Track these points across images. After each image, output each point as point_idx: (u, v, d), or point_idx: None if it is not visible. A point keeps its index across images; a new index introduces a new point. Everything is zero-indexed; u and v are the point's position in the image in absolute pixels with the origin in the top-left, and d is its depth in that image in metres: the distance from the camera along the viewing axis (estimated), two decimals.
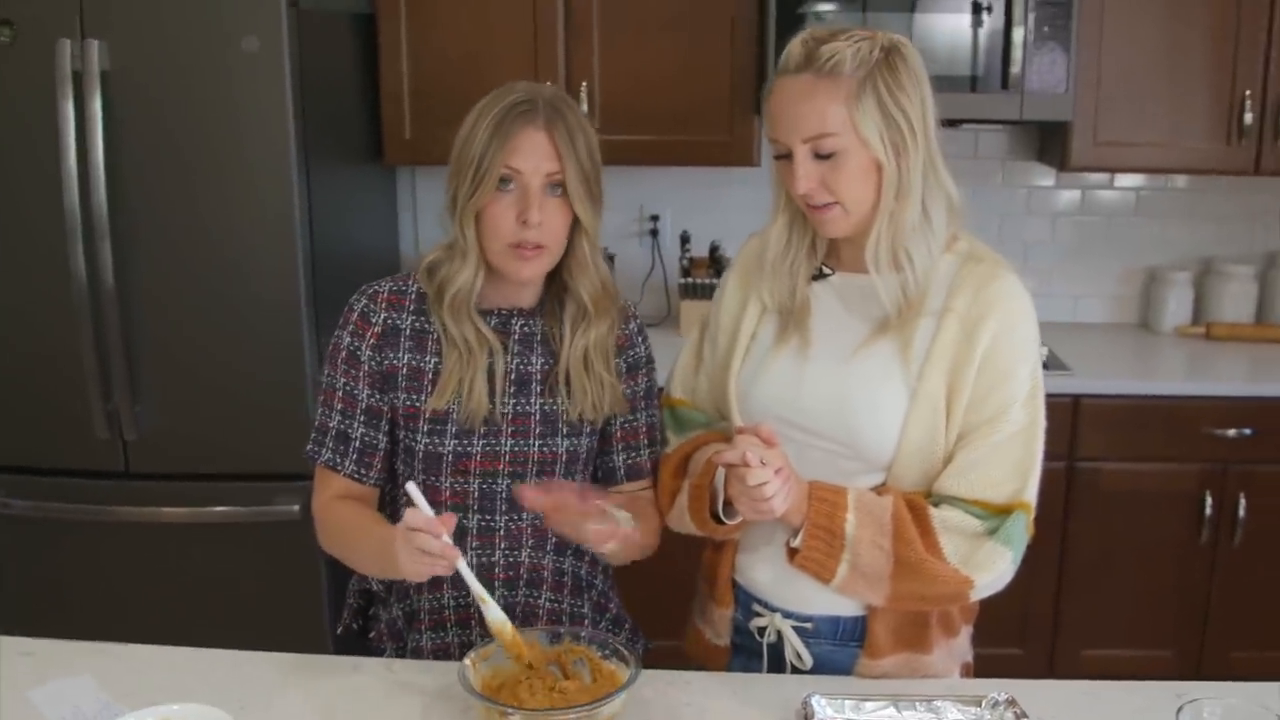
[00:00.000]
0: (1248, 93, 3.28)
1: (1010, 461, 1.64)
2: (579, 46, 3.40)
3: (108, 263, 2.94)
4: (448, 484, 1.82)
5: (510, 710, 1.52)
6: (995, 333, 1.63)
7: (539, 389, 1.83)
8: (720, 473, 1.67)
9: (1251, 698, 1.42)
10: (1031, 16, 3.15)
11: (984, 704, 1.60)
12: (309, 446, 1.85)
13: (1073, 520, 3.25)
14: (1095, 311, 3.83)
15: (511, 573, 1.85)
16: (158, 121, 2.92)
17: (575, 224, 1.77)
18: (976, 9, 3.20)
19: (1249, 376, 3.36)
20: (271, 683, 1.72)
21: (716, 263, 3.65)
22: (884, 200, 1.62)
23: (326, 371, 1.84)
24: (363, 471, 1.83)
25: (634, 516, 1.67)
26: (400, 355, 1.81)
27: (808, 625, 1.76)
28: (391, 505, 1.90)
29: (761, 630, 1.80)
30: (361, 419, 1.81)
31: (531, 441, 1.82)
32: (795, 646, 1.76)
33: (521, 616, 1.84)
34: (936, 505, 1.65)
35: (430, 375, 1.80)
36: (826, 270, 1.77)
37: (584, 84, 3.41)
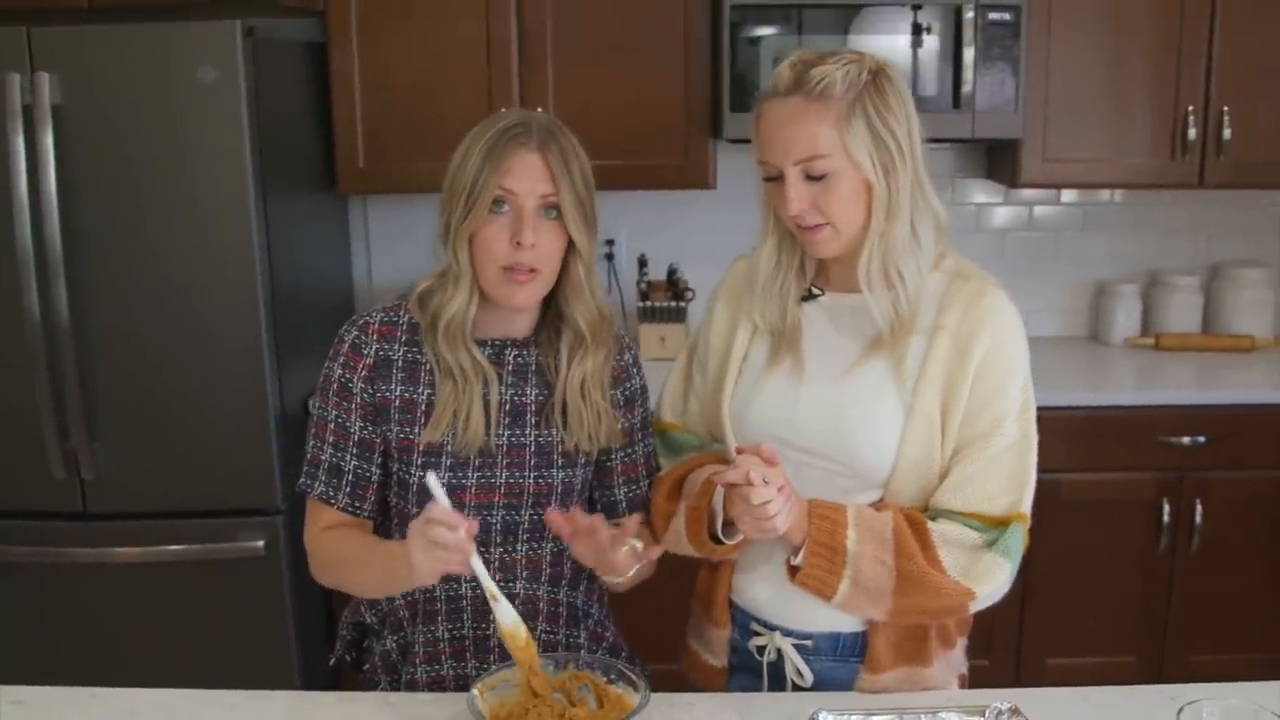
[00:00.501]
0: (1190, 108, 3.36)
1: (1006, 474, 1.67)
2: (533, 74, 3.40)
3: (62, 299, 2.88)
4: None
5: None
6: (987, 348, 1.66)
7: (534, 420, 1.82)
8: (719, 493, 1.68)
9: (1249, 698, 1.45)
10: (980, 37, 3.21)
11: (988, 713, 1.61)
12: (302, 480, 1.83)
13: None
14: (1046, 325, 3.89)
15: None
16: (112, 155, 2.88)
17: (570, 249, 1.77)
18: (917, 29, 3.25)
19: (1201, 385, 3.43)
20: None
21: (674, 286, 3.66)
22: (874, 220, 1.64)
23: (318, 403, 1.82)
24: (357, 504, 1.81)
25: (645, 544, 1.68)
26: (393, 387, 1.79)
27: (808, 642, 1.77)
28: (384, 537, 1.88)
29: (761, 649, 1.80)
30: (354, 451, 1.80)
31: (527, 473, 1.81)
32: (796, 664, 1.77)
33: None
34: (934, 519, 1.67)
35: (423, 407, 1.79)
36: (816, 291, 1.78)
37: (539, 110, 3.40)
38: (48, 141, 2.81)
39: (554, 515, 1.68)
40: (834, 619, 1.74)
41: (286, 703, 1.75)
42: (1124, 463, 3.29)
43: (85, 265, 2.91)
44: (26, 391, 2.95)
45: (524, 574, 1.84)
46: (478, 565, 1.58)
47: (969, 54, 3.21)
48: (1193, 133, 3.37)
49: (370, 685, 1.90)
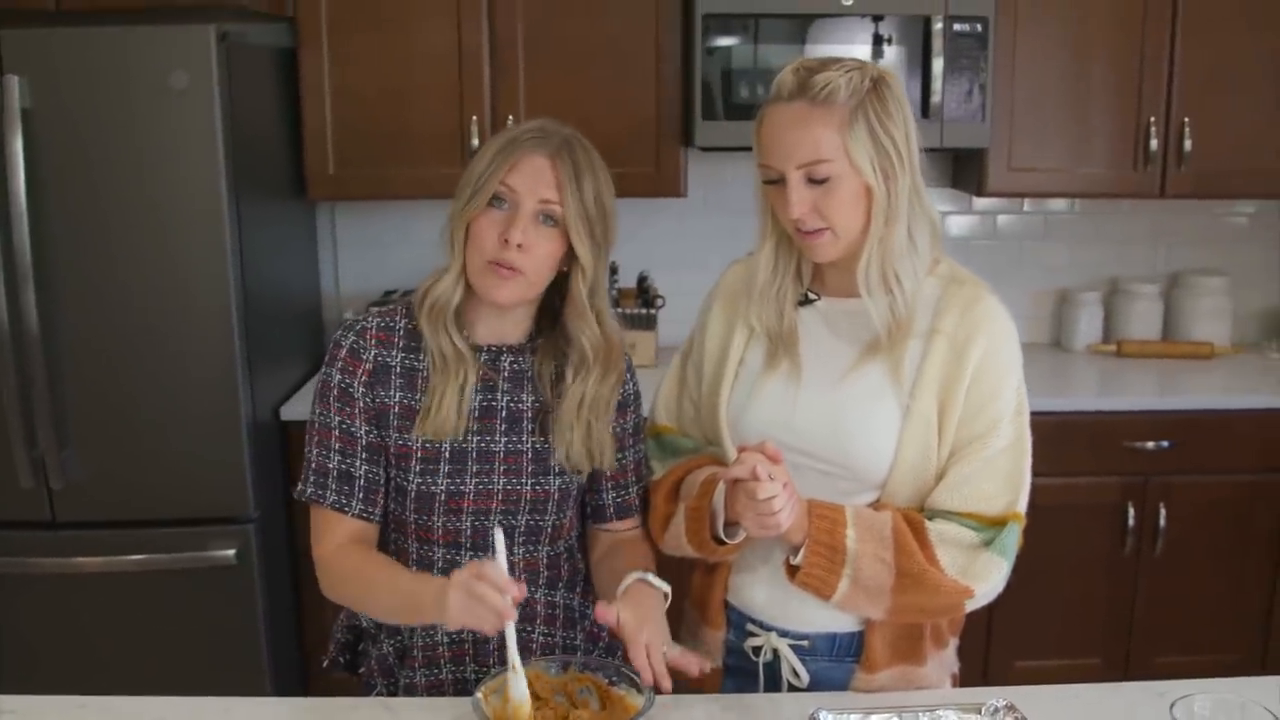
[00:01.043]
0: (1152, 119, 3.43)
1: (1002, 475, 1.69)
2: (504, 81, 3.41)
3: (31, 304, 2.83)
4: (440, 522, 1.80)
5: None
6: (984, 352, 1.69)
7: (531, 427, 1.82)
8: (719, 493, 1.69)
9: (1237, 692, 1.48)
10: (948, 47, 3.25)
11: (984, 710, 1.64)
12: (309, 490, 1.79)
13: None
14: None
15: None
16: (82, 159, 2.84)
17: (573, 267, 1.77)
18: (878, 40, 3.29)
19: (1163, 390, 3.49)
20: None
21: (645, 293, 3.68)
22: (874, 225, 1.66)
23: (318, 410, 1.80)
24: (370, 510, 1.80)
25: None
26: (391, 393, 1.79)
27: (804, 643, 1.79)
28: (380, 546, 1.88)
29: (757, 650, 1.82)
30: (364, 456, 1.78)
31: (524, 480, 1.81)
32: (793, 664, 1.78)
33: None
34: (931, 520, 1.69)
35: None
36: (812, 295, 1.80)
37: (510, 118, 3.41)
38: (17, 145, 2.78)
39: (605, 615, 1.66)
40: (831, 619, 1.76)
41: (284, 709, 1.74)
42: (1089, 467, 3.34)
43: (54, 271, 2.87)
44: None
45: (522, 577, 1.83)
46: (510, 632, 1.55)
47: (938, 64, 3.26)
48: (1154, 143, 3.44)
49: (366, 689, 1.89)
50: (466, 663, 1.83)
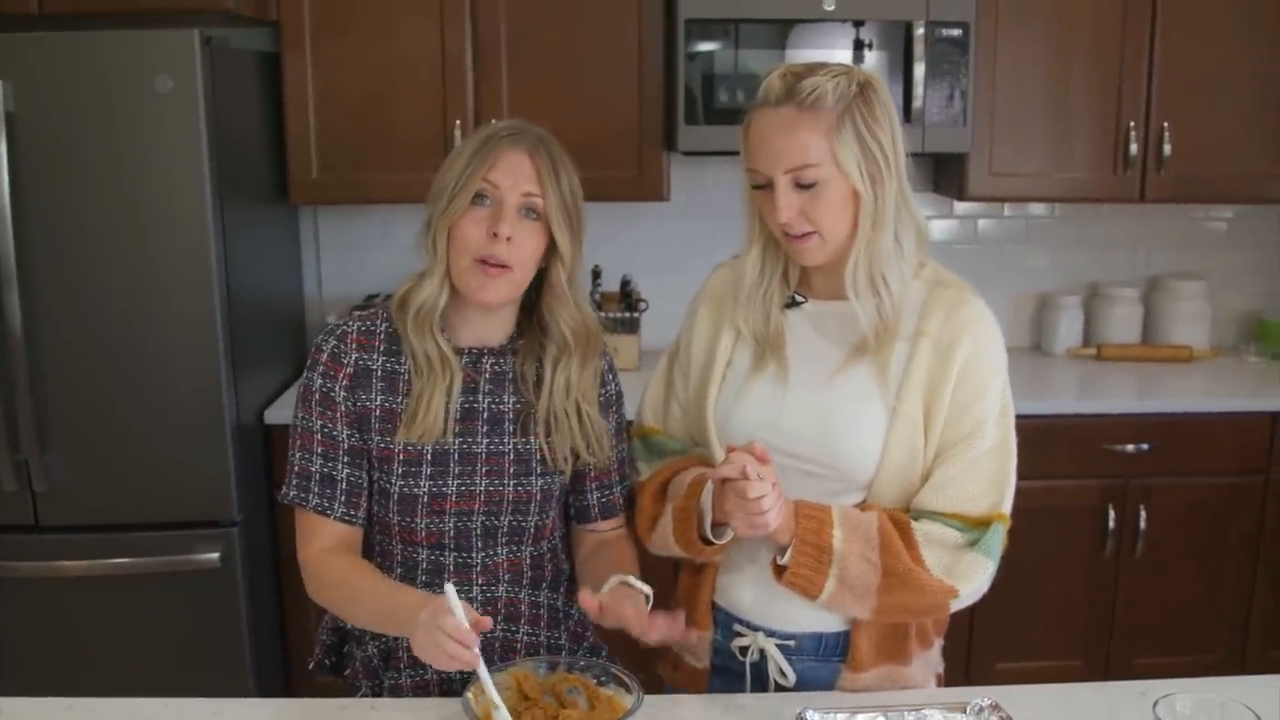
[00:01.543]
0: (1132, 124, 3.46)
1: (987, 476, 1.71)
2: (487, 85, 3.41)
3: (14, 307, 2.83)
4: (423, 524, 1.81)
5: None
6: (969, 354, 1.70)
7: (512, 428, 1.83)
8: (707, 494, 1.71)
9: (1218, 691, 1.50)
10: (930, 52, 3.27)
11: (969, 709, 1.65)
12: (292, 493, 1.80)
13: None
14: None
15: (489, 608, 1.84)
16: (66, 163, 2.84)
17: (553, 257, 1.78)
18: (859, 45, 3.31)
19: (1142, 394, 3.51)
20: None
21: (628, 297, 3.68)
22: (861, 229, 1.68)
23: (300, 415, 1.81)
24: (352, 513, 1.81)
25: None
26: (373, 396, 1.80)
27: (791, 643, 1.80)
28: (365, 547, 1.88)
29: (744, 650, 1.83)
30: (345, 460, 1.79)
31: (507, 481, 1.82)
32: (779, 664, 1.79)
33: (500, 651, 1.84)
34: (917, 520, 1.71)
35: (403, 416, 1.79)
36: (799, 298, 1.82)
37: (493, 122, 3.41)
38: (0, 149, 2.77)
39: (587, 601, 1.67)
40: (817, 619, 1.77)
41: (270, 710, 1.74)
42: (1070, 470, 3.36)
43: (38, 274, 2.87)
44: None
45: (506, 577, 1.85)
46: (483, 673, 1.55)
47: (919, 69, 3.28)
48: (1134, 148, 3.47)
49: (351, 691, 1.89)
50: None
